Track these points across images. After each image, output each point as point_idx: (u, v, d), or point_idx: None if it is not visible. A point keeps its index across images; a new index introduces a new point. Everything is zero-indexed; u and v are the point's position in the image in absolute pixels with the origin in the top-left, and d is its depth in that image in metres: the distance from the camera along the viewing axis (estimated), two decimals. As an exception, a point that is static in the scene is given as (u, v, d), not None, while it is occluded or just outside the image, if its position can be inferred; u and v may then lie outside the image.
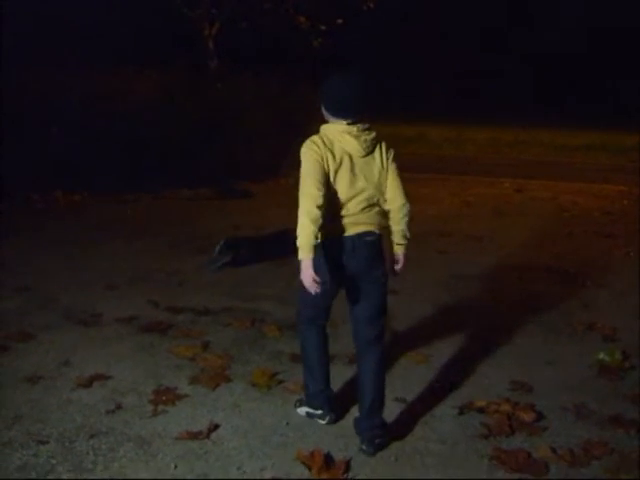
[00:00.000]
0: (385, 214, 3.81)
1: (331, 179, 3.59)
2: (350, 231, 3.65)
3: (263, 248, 7.74)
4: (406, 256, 3.93)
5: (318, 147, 3.58)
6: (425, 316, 5.95)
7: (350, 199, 3.64)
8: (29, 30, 13.01)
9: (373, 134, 3.70)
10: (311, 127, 3.92)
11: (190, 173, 11.88)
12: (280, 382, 4.51)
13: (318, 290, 3.50)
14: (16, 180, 9.98)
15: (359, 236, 3.66)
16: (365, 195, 3.66)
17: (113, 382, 4.48)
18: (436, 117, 27.65)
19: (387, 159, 3.76)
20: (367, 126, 3.68)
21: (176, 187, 11.71)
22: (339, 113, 3.66)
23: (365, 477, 3.46)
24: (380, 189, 3.74)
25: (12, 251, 7.73)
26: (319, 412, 4.01)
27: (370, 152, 3.69)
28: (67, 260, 7.43)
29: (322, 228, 3.50)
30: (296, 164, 3.69)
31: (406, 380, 4.60)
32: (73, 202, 10.67)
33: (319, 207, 3.46)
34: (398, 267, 3.97)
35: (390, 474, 3.49)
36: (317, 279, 3.47)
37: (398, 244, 3.93)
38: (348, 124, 3.64)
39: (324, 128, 3.70)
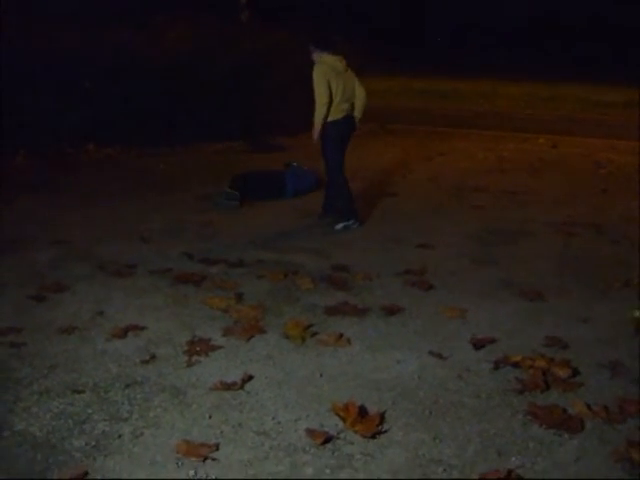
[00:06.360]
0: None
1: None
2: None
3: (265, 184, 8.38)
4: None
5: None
6: (461, 271, 5.91)
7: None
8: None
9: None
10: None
11: (223, 127, 11.84)
12: (314, 334, 4.50)
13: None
14: (49, 134, 10.00)
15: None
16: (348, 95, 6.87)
17: (147, 333, 4.50)
18: (470, 72, 27.26)
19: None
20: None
21: (209, 141, 11.70)
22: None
23: (398, 429, 3.46)
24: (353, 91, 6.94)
25: (45, 205, 7.76)
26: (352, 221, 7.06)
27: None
28: (100, 213, 7.46)
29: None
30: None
31: (441, 334, 4.58)
32: (106, 155, 10.67)
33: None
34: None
35: (424, 427, 3.48)
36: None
37: (357, 117, 7.09)
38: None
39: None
